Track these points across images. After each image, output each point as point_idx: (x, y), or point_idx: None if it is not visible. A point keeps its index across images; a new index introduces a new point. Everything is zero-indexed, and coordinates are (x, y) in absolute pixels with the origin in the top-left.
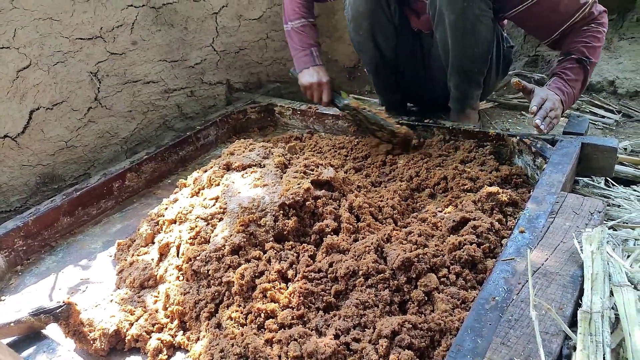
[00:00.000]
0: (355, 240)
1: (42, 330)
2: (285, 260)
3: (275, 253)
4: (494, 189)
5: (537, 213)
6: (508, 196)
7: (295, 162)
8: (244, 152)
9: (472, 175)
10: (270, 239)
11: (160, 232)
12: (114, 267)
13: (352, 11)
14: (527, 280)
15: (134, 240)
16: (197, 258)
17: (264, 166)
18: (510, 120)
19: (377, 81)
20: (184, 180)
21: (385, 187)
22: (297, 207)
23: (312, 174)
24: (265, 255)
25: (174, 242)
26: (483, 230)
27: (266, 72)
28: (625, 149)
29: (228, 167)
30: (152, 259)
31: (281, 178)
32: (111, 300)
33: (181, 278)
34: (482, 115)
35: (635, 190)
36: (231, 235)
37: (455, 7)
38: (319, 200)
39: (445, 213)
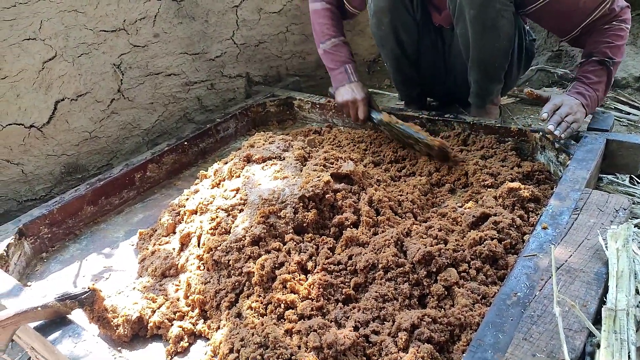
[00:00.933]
0: (375, 233)
1: (67, 316)
2: (305, 252)
3: (295, 245)
4: (515, 184)
5: (560, 209)
6: (530, 192)
7: (315, 155)
8: (264, 144)
9: (493, 171)
10: (290, 231)
11: (181, 222)
12: (136, 255)
13: (374, 7)
14: (551, 277)
15: (156, 230)
16: (218, 248)
17: (284, 159)
18: (532, 115)
19: (397, 76)
20: (204, 171)
21: (405, 181)
22: (317, 200)
23: (332, 167)
24: (285, 246)
25: (194, 232)
26: (504, 226)
27: (285, 65)
28: None
29: (248, 159)
30: (174, 249)
31: (301, 171)
32: (134, 288)
33: (202, 268)
34: (503, 111)
35: None
36: (251, 226)
37: (475, 2)
38: (338, 193)
39: (465, 208)
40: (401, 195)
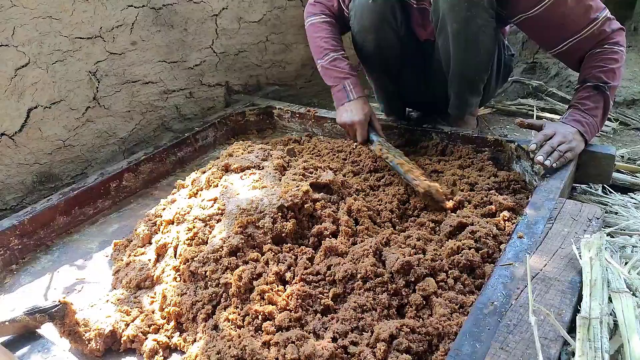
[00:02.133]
0: (354, 243)
1: (37, 330)
2: (284, 263)
3: (273, 255)
4: (492, 194)
5: (535, 219)
6: (506, 202)
7: (294, 165)
8: (242, 153)
9: (470, 181)
10: (269, 241)
11: (157, 233)
12: (110, 267)
13: (357, 25)
14: (526, 286)
15: (131, 241)
16: (195, 259)
17: (263, 168)
18: (508, 126)
19: (379, 90)
20: (182, 181)
21: (384, 190)
22: (296, 210)
23: (311, 177)
24: (263, 257)
25: (171, 243)
26: (481, 235)
27: (265, 74)
28: (622, 156)
29: (227, 169)
30: (149, 260)
31: (280, 180)
32: (107, 301)
33: (178, 279)
34: (480, 121)
35: (632, 198)
36: (229, 236)
37: (458, 17)
38: (317, 203)
39: (443, 217)
40: (380, 204)
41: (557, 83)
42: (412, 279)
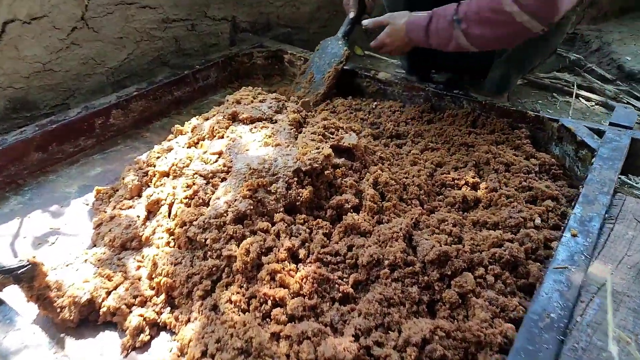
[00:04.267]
0: (379, 222)
1: None
2: (297, 237)
3: (286, 227)
4: (532, 178)
5: (589, 215)
6: (550, 189)
7: (312, 122)
8: (252, 101)
9: (506, 160)
10: (281, 209)
11: (149, 185)
12: (91, 218)
13: None
14: (592, 299)
15: (117, 190)
16: (194, 223)
17: (276, 122)
18: (540, 101)
19: None
20: (180, 126)
21: (413, 161)
22: (314, 176)
23: (332, 138)
24: (273, 228)
25: (165, 200)
26: (524, 226)
27: (277, 13)
28: None
29: (234, 118)
30: (138, 217)
31: (296, 138)
32: (85, 260)
33: (172, 244)
34: (511, 93)
35: None
36: (236, 200)
37: None
38: (337, 169)
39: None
40: (407, 177)
41: (597, 59)
42: (448, 272)
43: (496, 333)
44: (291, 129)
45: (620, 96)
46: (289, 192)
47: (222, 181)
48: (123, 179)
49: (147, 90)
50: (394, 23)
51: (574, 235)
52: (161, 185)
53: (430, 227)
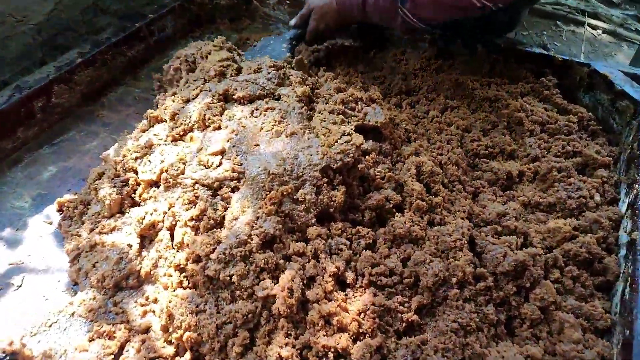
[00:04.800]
0: (430, 222)
1: None
2: (338, 254)
3: (323, 243)
4: (576, 141)
5: None
6: (601, 155)
7: (323, 94)
8: (248, 73)
9: (538, 119)
10: (313, 221)
11: (132, 197)
12: (60, 244)
13: None
14: None
15: (87, 203)
16: (211, 257)
17: (280, 97)
18: (545, 32)
19: None
20: (152, 111)
21: (439, 128)
22: (345, 172)
23: (355, 116)
24: (309, 247)
25: (162, 222)
26: (589, 208)
27: None
28: None
29: (226, 98)
30: (130, 245)
31: (310, 120)
32: (73, 313)
33: (186, 284)
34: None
35: None
36: (259, 218)
37: None
38: (367, 156)
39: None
40: (441, 154)
41: None
42: (527, 285)
43: (594, 356)
44: (302, 108)
45: (628, 22)
46: (319, 197)
47: (233, 192)
48: (95, 190)
49: (92, 55)
50: (316, 3)
51: None
52: (150, 198)
53: (490, 223)
